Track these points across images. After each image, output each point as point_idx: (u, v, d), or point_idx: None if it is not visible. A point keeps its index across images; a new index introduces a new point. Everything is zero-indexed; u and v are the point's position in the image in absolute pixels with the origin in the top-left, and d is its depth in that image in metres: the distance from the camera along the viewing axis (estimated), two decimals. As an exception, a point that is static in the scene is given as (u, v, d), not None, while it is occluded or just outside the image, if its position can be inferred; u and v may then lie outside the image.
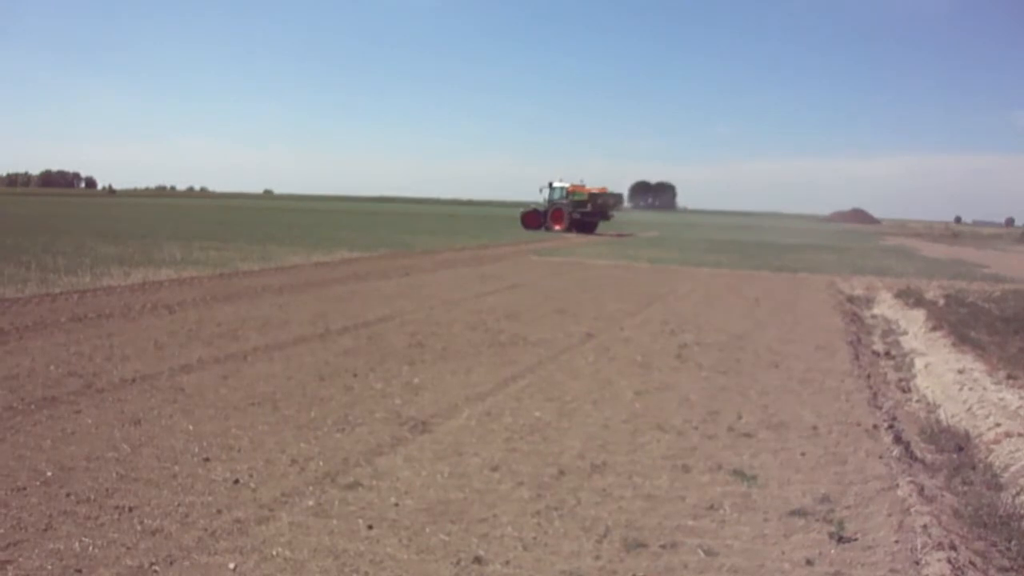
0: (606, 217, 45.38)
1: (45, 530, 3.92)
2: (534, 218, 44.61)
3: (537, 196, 45.46)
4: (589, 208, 43.81)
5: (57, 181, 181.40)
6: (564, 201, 43.94)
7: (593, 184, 44.96)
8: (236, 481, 4.65)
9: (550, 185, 44.90)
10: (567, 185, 44.47)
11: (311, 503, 4.39)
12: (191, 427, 5.65)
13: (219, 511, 4.23)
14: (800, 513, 4.48)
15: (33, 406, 5.95)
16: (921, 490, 4.77)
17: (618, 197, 46.17)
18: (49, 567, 3.57)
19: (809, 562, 3.89)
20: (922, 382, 8.53)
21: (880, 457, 5.52)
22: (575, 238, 37.99)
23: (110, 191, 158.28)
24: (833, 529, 4.25)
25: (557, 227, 43.18)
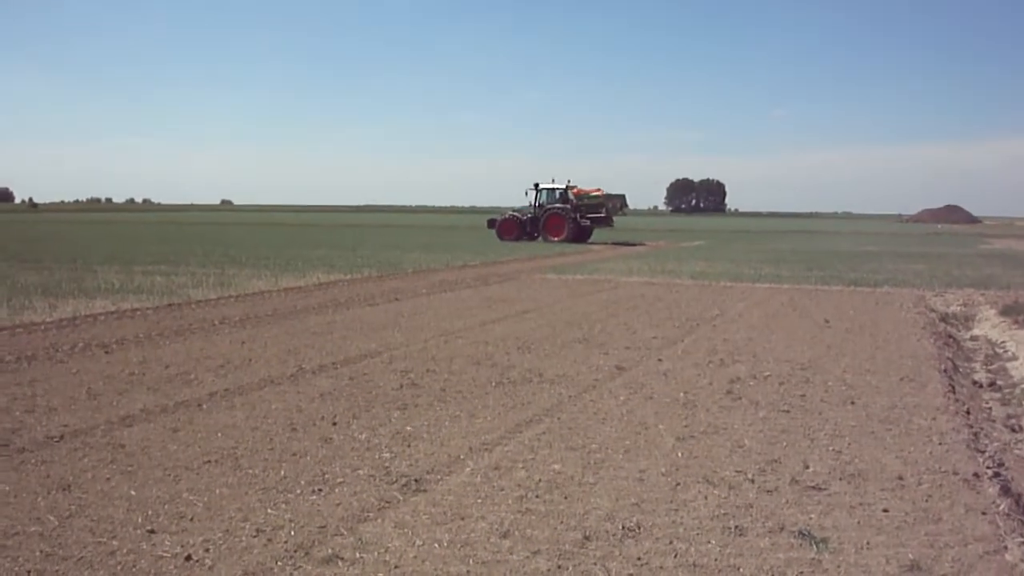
0: (610, 223, 45.69)
1: (-44, 621, 3.96)
2: (512, 227, 44.97)
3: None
4: (604, 213, 44.02)
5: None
6: (564, 205, 44.13)
7: (580, 185, 45.40)
8: (188, 557, 4.67)
9: (536, 187, 45.05)
10: (563, 187, 44.65)
11: (280, 582, 4.41)
12: (133, 492, 5.68)
13: (168, 594, 4.25)
14: (883, 583, 4.47)
15: (-60, 470, 6.01)
16: (1035, 553, 4.75)
17: (620, 198, 46.19)
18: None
19: (895, 644, 3.88)
20: (1036, 419, 8.48)
21: (983, 513, 5.49)
22: (605, 250, 38.09)
23: (31, 205, 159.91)
24: (924, 603, 4.24)
25: (555, 237, 43.36)
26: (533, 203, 45.25)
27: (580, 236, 44.19)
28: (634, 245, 44.39)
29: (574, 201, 44.18)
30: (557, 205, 44.29)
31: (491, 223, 47.65)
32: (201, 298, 16.40)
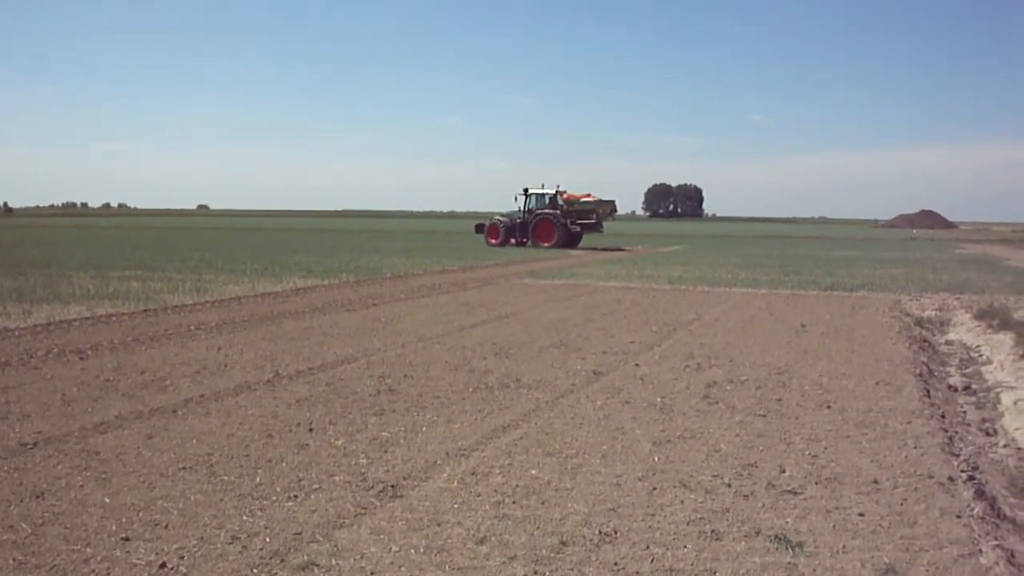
0: (600, 229, 45.85)
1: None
2: (501, 232, 45.20)
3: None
4: (594, 219, 44.12)
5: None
6: (553, 211, 44.21)
7: (566, 190, 45.48)
8: (163, 565, 4.63)
9: (525, 192, 45.11)
10: (552, 192, 44.75)
11: (255, 590, 4.39)
12: (107, 499, 5.64)
13: (141, 602, 4.22)
14: (858, 587, 4.49)
15: (-90, 478, 5.94)
16: (1011, 557, 4.78)
17: (611, 204, 46.41)
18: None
19: (869, 647, 3.90)
20: (1011, 422, 8.54)
21: (958, 516, 5.53)
22: (584, 255, 38.14)
23: (6, 210, 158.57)
24: (899, 606, 4.26)
25: (545, 243, 43.52)
26: (523, 208, 45.29)
27: (570, 242, 44.28)
28: (613, 250, 44.49)
29: (564, 207, 44.29)
30: (547, 210, 44.35)
31: (479, 228, 47.73)
32: (177, 303, 16.30)
